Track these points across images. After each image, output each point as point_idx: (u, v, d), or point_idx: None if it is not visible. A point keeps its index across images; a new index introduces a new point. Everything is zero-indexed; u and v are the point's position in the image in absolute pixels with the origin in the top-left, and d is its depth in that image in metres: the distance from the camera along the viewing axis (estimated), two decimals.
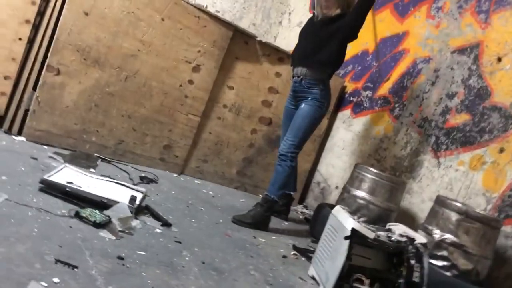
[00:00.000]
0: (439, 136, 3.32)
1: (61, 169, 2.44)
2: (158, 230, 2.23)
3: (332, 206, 3.34)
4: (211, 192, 3.48)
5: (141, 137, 3.42)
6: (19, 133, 2.96)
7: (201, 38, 3.47)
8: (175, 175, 3.59)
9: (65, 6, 2.92)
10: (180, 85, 3.49)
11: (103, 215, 2.05)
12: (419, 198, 3.33)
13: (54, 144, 3.04)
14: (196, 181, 3.68)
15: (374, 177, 3.10)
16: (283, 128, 3.31)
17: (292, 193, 3.37)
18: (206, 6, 3.69)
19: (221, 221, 2.82)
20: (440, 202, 2.71)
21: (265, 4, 4.95)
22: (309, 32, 3.19)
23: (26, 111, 2.98)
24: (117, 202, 2.19)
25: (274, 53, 3.88)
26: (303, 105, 3.05)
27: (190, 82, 3.52)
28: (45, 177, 2.20)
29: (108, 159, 3.22)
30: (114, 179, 2.65)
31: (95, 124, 3.20)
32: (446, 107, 3.33)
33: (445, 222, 2.60)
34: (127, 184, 2.57)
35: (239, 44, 3.69)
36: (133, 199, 2.29)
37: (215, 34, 3.52)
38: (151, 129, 3.45)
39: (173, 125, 3.54)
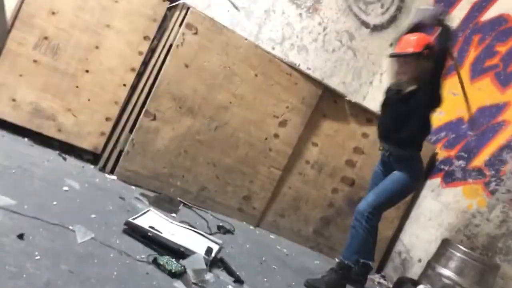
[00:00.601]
0: None
1: (145, 212, 2.54)
2: (230, 287, 2.21)
3: (413, 281, 3.12)
4: (285, 250, 3.41)
5: (223, 185, 3.48)
6: (112, 171, 3.14)
7: (291, 95, 3.52)
8: (251, 227, 3.58)
9: (168, 57, 3.13)
10: (266, 138, 3.53)
11: (179, 265, 2.07)
12: None
13: (141, 185, 3.18)
14: (271, 236, 3.63)
15: (463, 256, 2.86)
16: (369, 191, 3.17)
17: (370, 262, 3.15)
18: (299, 65, 3.76)
19: (293, 283, 2.73)
20: None
21: (357, 64, 4.95)
22: (388, 106, 3.00)
23: (121, 151, 3.17)
24: (194, 253, 2.21)
25: (363, 114, 3.82)
26: (395, 172, 2.89)
27: (276, 136, 3.56)
28: (130, 219, 2.29)
29: (190, 205, 3.30)
30: (194, 227, 2.69)
31: (181, 169, 3.32)
32: None
33: None
34: (205, 234, 2.59)
35: (328, 102, 3.69)
36: (209, 251, 2.30)
37: (305, 91, 3.56)
38: (233, 178, 3.50)
39: (255, 176, 3.56)
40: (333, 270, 2.87)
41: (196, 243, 2.39)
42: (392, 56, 2.89)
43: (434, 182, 3.96)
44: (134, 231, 2.25)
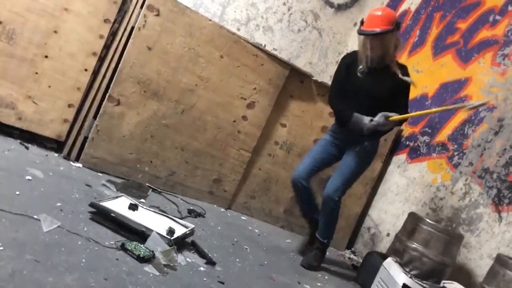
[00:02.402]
0: (501, 189, 3.12)
1: (116, 197, 2.50)
2: (202, 268, 2.21)
3: (382, 255, 3.20)
4: (257, 230, 3.44)
5: (192, 169, 3.45)
6: (77, 159, 3.07)
7: (258, 76, 3.51)
8: (222, 209, 3.58)
9: (130, 40, 3.06)
10: (234, 121, 3.52)
11: (148, 250, 2.06)
12: (477, 253, 3.11)
13: (108, 172, 3.12)
14: (243, 217, 3.64)
15: (429, 228, 2.94)
16: (309, 156, 3.18)
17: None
18: (265, 45, 3.75)
19: (265, 262, 2.75)
20: (501, 261, 2.51)
21: (323, 44, 4.96)
22: (364, 91, 2.92)
23: (85, 138, 3.09)
24: (154, 231, 2.18)
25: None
26: (357, 151, 3.01)
27: (244, 118, 3.55)
28: (96, 201, 2.25)
29: (159, 190, 3.27)
30: (164, 211, 2.67)
31: (149, 155, 3.28)
32: (510, 159, 3.14)
33: (507, 284, 2.40)
34: (175, 218, 2.58)
35: (295, 82, 3.70)
36: (171, 231, 2.26)
37: (272, 72, 3.55)
38: (202, 162, 3.48)
39: (224, 159, 3.55)
40: (316, 248, 3.11)
41: (164, 226, 2.36)
42: (371, 34, 2.76)
43: (400, 158, 4.05)
44: (98, 212, 2.21)
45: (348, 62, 2.98)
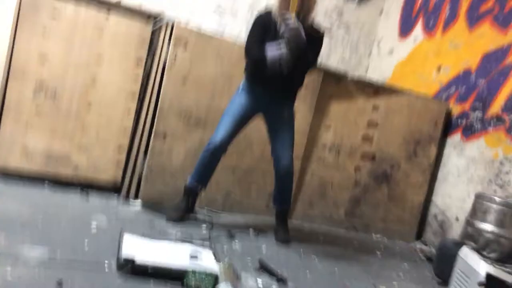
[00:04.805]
0: None
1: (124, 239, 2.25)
2: (274, 287, 2.20)
3: (455, 242, 3.08)
4: (321, 237, 3.40)
5: (246, 187, 3.48)
6: (136, 198, 3.16)
7: None
8: None
9: (164, 76, 3.14)
10: None
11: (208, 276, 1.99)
12: None
13: (167, 205, 3.18)
14: (305, 226, 3.62)
15: (500, 207, 2.80)
16: (224, 118, 2.96)
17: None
18: None
19: (336, 269, 2.71)
20: None
21: (352, 38, 4.89)
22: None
23: (140, 176, 3.18)
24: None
25: (368, 87, 3.78)
26: (286, 115, 2.99)
27: None
28: (122, 256, 2.04)
29: (218, 212, 3.32)
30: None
31: None
32: None
33: None
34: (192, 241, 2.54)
35: (331, 83, 3.65)
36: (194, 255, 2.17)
37: (305, 78, 3.52)
38: (255, 178, 3.49)
39: None
40: (280, 220, 3.13)
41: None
42: None
43: (454, 139, 3.90)
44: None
45: (266, 19, 2.84)
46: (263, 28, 2.82)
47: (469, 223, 2.95)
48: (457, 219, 3.68)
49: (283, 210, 3.15)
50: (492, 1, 3.76)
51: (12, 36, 2.90)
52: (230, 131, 2.89)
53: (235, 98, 2.95)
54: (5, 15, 2.92)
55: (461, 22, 4.08)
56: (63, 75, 3.03)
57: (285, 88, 2.93)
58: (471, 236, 2.85)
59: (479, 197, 2.97)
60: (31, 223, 2.32)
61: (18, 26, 2.90)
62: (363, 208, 3.85)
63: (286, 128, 2.98)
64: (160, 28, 3.18)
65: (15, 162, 2.99)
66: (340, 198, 3.80)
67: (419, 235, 3.97)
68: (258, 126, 3.43)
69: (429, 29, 4.51)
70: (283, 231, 3.08)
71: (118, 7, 3.10)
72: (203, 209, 3.29)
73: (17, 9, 2.90)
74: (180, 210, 2.96)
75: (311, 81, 3.53)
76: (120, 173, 3.23)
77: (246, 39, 2.89)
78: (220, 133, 2.88)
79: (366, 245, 3.47)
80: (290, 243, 2.99)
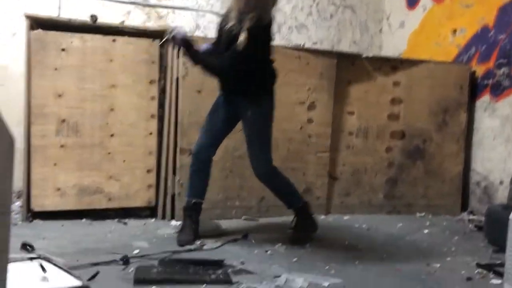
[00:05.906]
0: None
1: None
2: (325, 284, 2.14)
3: (504, 206, 2.96)
4: (364, 225, 3.32)
5: None
6: (172, 218, 3.16)
7: (307, 76, 3.44)
8: (322, 216, 3.50)
9: (180, 91, 3.14)
10: (301, 127, 3.46)
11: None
12: None
13: (204, 219, 3.16)
14: (345, 217, 3.55)
15: None
16: (206, 130, 2.86)
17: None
18: (304, 44, 3.68)
19: (385, 256, 2.64)
20: None
21: (360, 18, 4.79)
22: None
23: (173, 196, 3.18)
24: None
25: (386, 64, 3.69)
26: (250, 111, 2.74)
27: (309, 121, 3.49)
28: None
29: (255, 218, 3.29)
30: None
31: (234, 189, 3.31)
32: None
33: None
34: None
35: (347, 67, 3.58)
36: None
37: (319, 67, 3.46)
38: None
39: (305, 168, 3.50)
40: (297, 221, 2.90)
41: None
42: None
43: (483, 101, 3.76)
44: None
45: (220, 21, 2.77)
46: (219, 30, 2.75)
47: None
48: (501, 182, 3.53)
49: (297, 208, 2.94)
50: None
51: (28, 76, 2.95)
52: (206, 138, 2.81)
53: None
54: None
55: None
56: (81, 108, 3.06)
57: (233, 87, 2.75)
58: None
59: None
60: (73, 260, 2.32)
61: (32, 66, 2.95)
62: (401, 188, 3.75)
63: (252, 131, 2.76)
64: (166, 42, 3.17)
65: (50, 201, 3.03)
66: (376, 183, 3.71)
67: (464, 206, 3.84)
68: (281, 126, 3.38)
69: None
70: (293, 231, 2.90)
71: (122, 27, 3.13)
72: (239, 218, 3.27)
73: (28, 47, 2.94)
74: (187, 233, 2.76)
75: (324, 68, 3.47)
76: (153, 195, 3.24)
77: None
78: (197, 141, 2.84)
79: (411, 225, 3.37)
80: (302, 243, 2.79)
